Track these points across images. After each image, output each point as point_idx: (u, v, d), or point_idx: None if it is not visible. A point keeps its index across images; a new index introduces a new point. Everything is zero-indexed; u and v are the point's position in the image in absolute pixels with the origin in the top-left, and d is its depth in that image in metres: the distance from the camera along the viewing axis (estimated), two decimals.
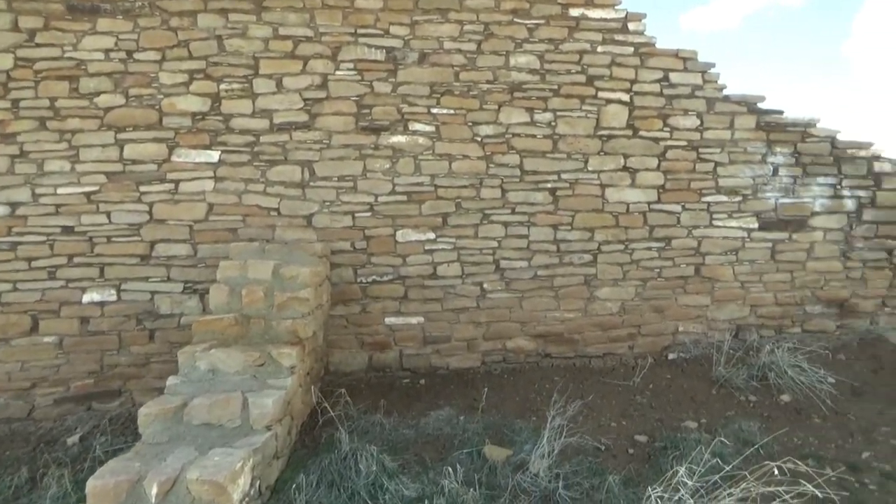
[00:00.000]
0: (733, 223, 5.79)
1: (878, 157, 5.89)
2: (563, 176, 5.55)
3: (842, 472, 3.85)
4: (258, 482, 3.13)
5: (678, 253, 5.74)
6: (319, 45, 5.23)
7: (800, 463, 3.80)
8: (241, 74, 5.18)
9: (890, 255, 5.97)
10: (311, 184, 5.26)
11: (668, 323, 5.77)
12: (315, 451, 3.79)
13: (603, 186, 5.61)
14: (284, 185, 5.24)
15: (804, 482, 2.92)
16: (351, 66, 5.27)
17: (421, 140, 5.37)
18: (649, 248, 5.70)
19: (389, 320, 5.41)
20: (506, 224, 5.51)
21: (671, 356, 5.62)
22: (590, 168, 5.57)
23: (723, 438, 4.08)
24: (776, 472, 2.95)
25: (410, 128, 5.35)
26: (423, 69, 5.34)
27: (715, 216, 5.77)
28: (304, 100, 5.24)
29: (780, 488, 2.85)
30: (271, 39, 5.20)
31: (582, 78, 5.53)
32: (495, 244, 5.51)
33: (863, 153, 5.87)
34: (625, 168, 5.62)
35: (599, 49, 5.53)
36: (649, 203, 5.68)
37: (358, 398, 4.69)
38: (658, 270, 5.73)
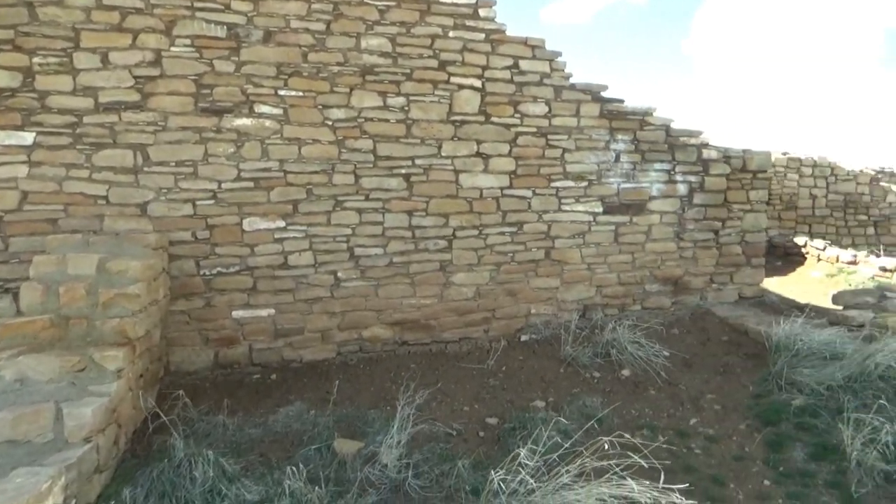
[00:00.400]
0: (580, 207, 6.04)
1: (706, 145, 6.37)
2: (418, 161, 5.51)
3: (672, 438, 4.14)
4: (73, 502, 2.83)
5: (530, 237, 5.90)
6: (151, 17, 4.78)
7: (627, 436, 4.04)
8: (58, 47, 4.62)
9: (716, 235, 6.50)
10: (146, 169, 4.84)
11: (521, 306, 5.93)
12: (146, 461, 3.50)
13: (457, 172, 5.63)
14: (114, 170, 4.77)
15: (632, 454, 3.07)
16: (188, 42, 4.87)
17: (268, 123, 5.09)
18: (502, 233, 5.81)
19: (237, 314, 5.13)
20: (360, 211, 5.38)
21: (524, 338, 5.79)
22: (444, 153, 5.57)
23: (567, 415, 4.27)
24: (606, 446, 3.09)
25: (256, 110, 5.06)
26: (268, 48, 5.05)
27: (563, 201, 5.99)
28: (135, 77, 4.79)
29: (611, 462, 2.98)
30: (94, 9, 4.68)
31: (434, 63, 5.49)
32: (349, 231, 5.37)
33: (693, 141, 6.32)
34: (478, 154, 5.67)
35: (451, 34, 5.51)
36: (502, 189, 5.78)
37: (201, 399, 4.41)
38: (511, 255, 5.86)
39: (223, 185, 5.02)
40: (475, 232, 5.72)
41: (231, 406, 4.40)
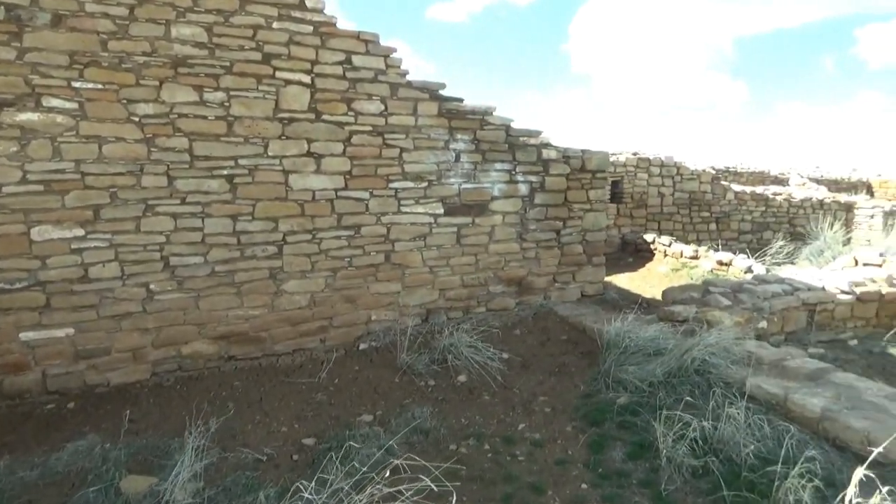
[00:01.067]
0: (420, 209, 5.87)
1: (546, 145, 6.40)
2: (242, 162, 5.10)
3: (498, 445, 4.04)
4: None
5: (368, 241, 5.66)
6: None
7: (453, 447, 3.89)
8: None
9: (558, 234, 6.56)
10: None
11: (360, 312, 5.68)
12: None
13: (286, 173, 5.28)
14: None
15: (423, 477, 2.89)
16: None
17: (60, 119, 4.50)
18: (338, 237, 5.53)
19: (26, 335, 4.50)
20: (175, 216, 4.90)
21: (363, 346, 5.54)
22: (271, 153, 5.20)
23: (393, 429, 4.06)
24: (388, 474, 2.89)
25: (45, 104, 4.46)
26: (58, 34, 4.46)
27: (403, 202, 5.79)
28: None
29: (401, 487, 2.78)
30: None
31: (258, 55, 5.10)
32: (162, 239, 4.88)
33: (533, 141, 6.34)
34: (309, 153, 5.35)
35: (275, 25, 5.15)
36: (336, 190, 5.49)
37: None
38: (348, 259, 5.59)
39: (4, 189, 4.38)
40: (308, 236, 5.40)
41: (11, 444, 3.84)
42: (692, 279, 10.18)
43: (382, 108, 5.61)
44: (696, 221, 12.96)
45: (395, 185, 5.73)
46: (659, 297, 7.33)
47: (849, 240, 12.79)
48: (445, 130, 5.90)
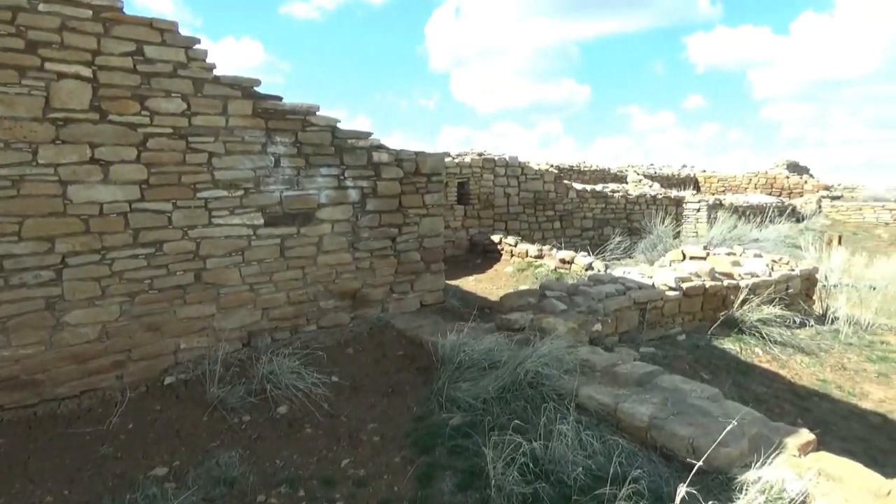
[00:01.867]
0: (236, 220, 5.25)
1: (376, 148, 6.00)
2: (2, 172, 4.22)
3: (316, 489, 3.57)
4: None
5: (173, 258, 4.95)
6: None
7: (261, 498, 3.39)
8: None
9: (394, 242, 6.20)
10: None
11: (166, 341, 4.96)
12: None
13: (64, 183, 4.45)
14: None
15: None
16: None
17: None
18: (135, 256, 4.78)
19: None
20: None
21: (169, 380, 4.83)
22: (42, 161, 4.35)
23: (191, 483, 3.46)
24: None
25: None
26: None
27: (215, 214, 5.14)
28: None
29: None
30: None
31: (19, 43, 4.24)
32: None
33: (362, 143, 5.91)
34: (93, 160, 4.55)
35: (42, 8, 4.31)
36: (131, 202, 4.74)
37: None
38: (149, 281, 4.85)
39: None
40: (96, 257, 4.60)
41: None
42: (537, 278, 10.27)
43: (185, 106, 4.92)
44: (541, 220, 13.20)
45: (205, 194, 5.07)
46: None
47: (678, 233, 13.63)
48: (262, 132, 5.32)
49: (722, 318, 6.56)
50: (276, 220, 5.45)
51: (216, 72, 5.08)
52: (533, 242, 12.38)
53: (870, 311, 8.11)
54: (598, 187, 14.50)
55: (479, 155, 12.16)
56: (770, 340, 6.53)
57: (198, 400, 4.55)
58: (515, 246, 11.21)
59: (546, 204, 13.24)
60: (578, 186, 13.94)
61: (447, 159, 11.56)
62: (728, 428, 3.25)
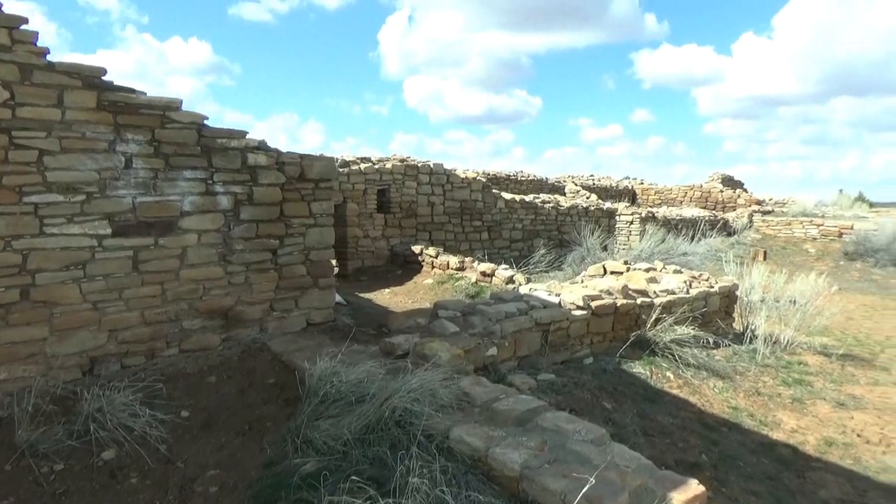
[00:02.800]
0: (76, 229, 4.53)
1: (253, 149, 5.37)
2: None
3: None
4: None
5: None
6: None
7: None
8: None
9: (274, 255, 5.56)
10: None
11: None
12: None
13: None
14: None
15: None
16: None
17: None
18: None
19: None
20: None
21: None
22: None
23: None
24: None
25: None
26: None
27: (47, 221, 4.41)
28: None
29: None
30: None
31: None
32: None
33: (235, 144, 5.27)
34: None
35: None
36: None
37: None
38: None
39: None
40: None
41: None
42: (456, 292, 9.77)
43: (7, 95, 4.20)
44: (468, 230, 12.73)
45: (34, 198, 4.34)
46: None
47: (605, 247, 13.35)
48: (110, 128, 4.62)
49: (633, 338, 6.15)
50: (127, 230, 4.75)
51: (51, 57, 4.38)
52: (459, 253, 11.90)
53: (789, 328, 7.87)
54: (529, 198, 14.12)
55: (402, 161, 11.60)
56: (683, 363, 6.15)
57: (6, 444, 3.81)
58: (436, 257, 10.68)
59: (473, 214, 12.77)
60: (508, 196, 13.53)
61: (363, 165, 10.98)
62: (608, 476, 2.75)
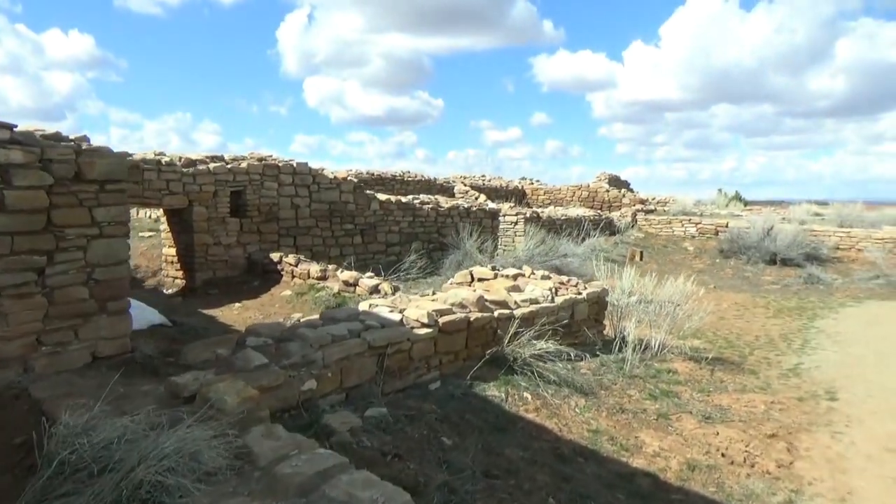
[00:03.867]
0: None
1: (5, 143, 4.25)
2: None
3: None
4: None
5: None
6: None
7: None
8: None
9: (41, 275, 4.46)
10: None
11: None
12: None
13: None
14: None
15: None
16: None
17: None
18: None
19: None
20: None
21: None
22: None
23: None
24: None
25: None
26: None
27: None
28: None
29: None
30: None
31: None
32: None
33: None
34: None
35: None
36: None
37: None
38: None
39: None
40: None
41: None
42: (316, 304, 8.86)
43: None
44: (338, 234, 11.81)
45: None
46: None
47: (487, 248, 12.82)
48: None
49: (489, 356, 5.49)
50: None
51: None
52: (330, 260, 10.98)
53: (661, 332, 7.53)
54: (406, 199, 13.38)
55: (260, 160, 10.52)
56: (544, 380, 5.57)
57: None
58: (296, 265, 9.70)
59: (344, 216, 11.86)
60: (383, 197, 12.72)
61: (213, 165, 9.83)
62: None
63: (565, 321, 6.66)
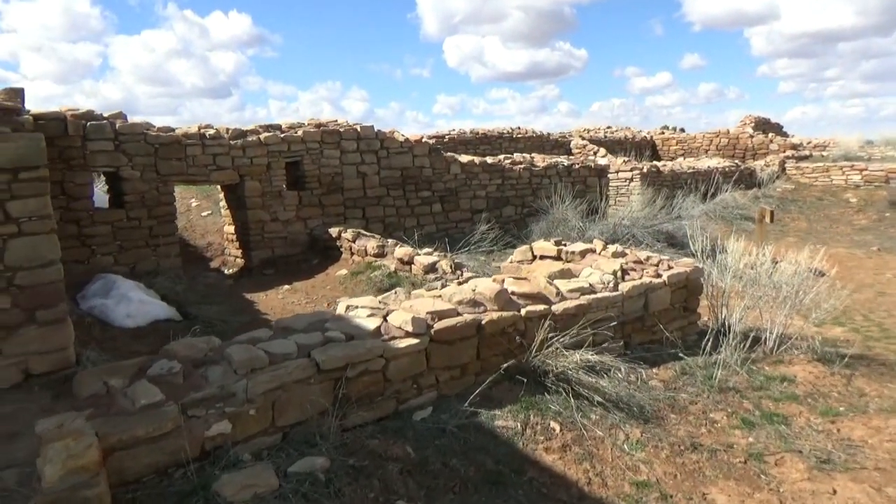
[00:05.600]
0: None
1: None
2: None
3: None
4: None
5: None
6: None
7: None
8: None
9: None
10: None
11: None
12: None
13: None
14: None
15: None
16: None
17: None
18: None
19: None
20: None
21: None
22: None
23: None
24: None
25: None
26: None
27: None
28: None
29: None
30: None
31: None
32: None
33: None
34: None
35: None
36: None
37: None
38: None
39: None
40: None
41: None
42: (369, 285, 7.90)
43: None
44: (414, 203, 10.74)
45: None
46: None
47: (585, 211, 11.16)
48: None
49: (504, 370, 4.16)
50: None
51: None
52: (404, 231, 10.00)
53: (782, 317, 5.72)
54: (492, 159, 11.98)
55: (318, 127, 9.62)
56: (588, 401, 4.17)
57: None
58: (354, 241, 8.78)
59: (420, 183, 10.75)
60: (464, 159, 11.43)
61: (264, 135, 9.06)
62: None
63: (636, 314, 5.14)
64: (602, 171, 13.71)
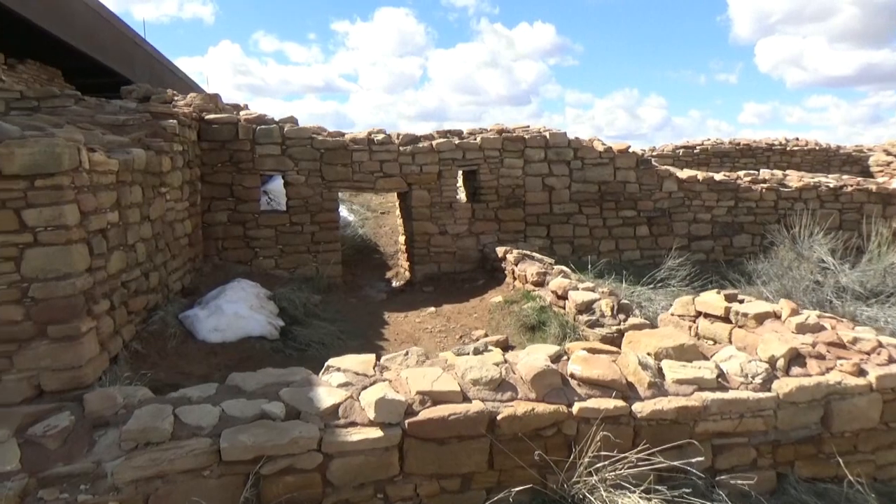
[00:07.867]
0: None
1: None
2: None
3: None
4: None
5: None
6: None
7: None
8: None
9: None
10: None
11: None
12: None
13: None
14: None
15: None
16: None
17: None
18: None
19: None
20: None
21: None
22: None
23: None
24: None
25: None
26: None
27: None
28: None
29: None
30: None
31: None
32: None
33: None
34: None
35: None
36: None
37: None
38: None
39: None
40: None
41: None
42: (517, 320, 6.77)
43: None
44: (613, 224, 9.14)
45: None
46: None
47: (849, 251, 8.36)
48: None
49: (518, 492, 2.75)
50: None
51: None
52: (598, 255, 8.62)
53: None
54: (719, 175, 9.69)
55: (499, 133, 8.65)
56: None
57: None
58: (516, 264, 7.64)
59: (622, 200, 9.12)
60: (684, 175, 9.43)
61: (437, 141, 8.37)
62: None
63: (805, 432, 3.25)
64: (890, 197, 10.37)
